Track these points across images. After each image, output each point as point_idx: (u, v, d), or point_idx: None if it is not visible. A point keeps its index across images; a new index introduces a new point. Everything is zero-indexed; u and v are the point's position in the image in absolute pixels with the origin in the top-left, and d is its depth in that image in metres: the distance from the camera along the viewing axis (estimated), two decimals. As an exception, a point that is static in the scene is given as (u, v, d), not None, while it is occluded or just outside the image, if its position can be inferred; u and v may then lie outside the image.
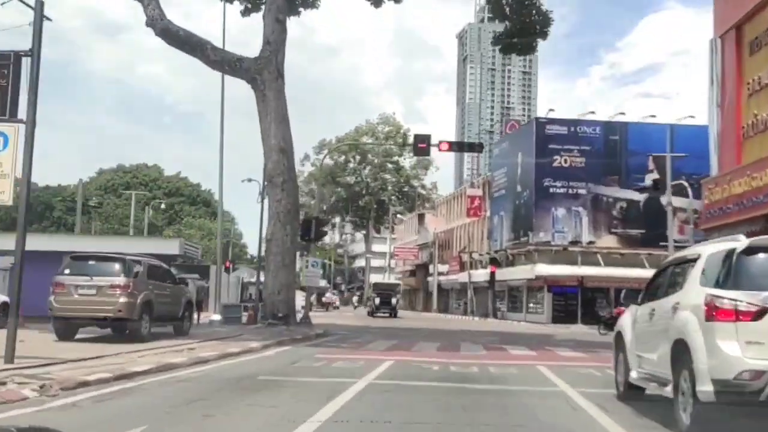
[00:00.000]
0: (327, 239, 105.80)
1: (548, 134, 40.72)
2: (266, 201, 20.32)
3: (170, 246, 19.68)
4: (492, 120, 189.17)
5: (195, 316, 21.39)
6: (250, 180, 24.06)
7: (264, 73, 19.27)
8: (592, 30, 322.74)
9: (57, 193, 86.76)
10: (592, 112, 41.60)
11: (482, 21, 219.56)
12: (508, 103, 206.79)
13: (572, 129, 40.88)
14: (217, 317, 21.53)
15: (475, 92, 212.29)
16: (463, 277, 54.15)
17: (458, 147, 22.41)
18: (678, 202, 40.67)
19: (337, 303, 63.00)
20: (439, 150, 20.77)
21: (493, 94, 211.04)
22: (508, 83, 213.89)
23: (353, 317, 41.19)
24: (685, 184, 24.66)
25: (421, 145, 20.64)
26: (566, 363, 13.16)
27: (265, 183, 19.57)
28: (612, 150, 40.79)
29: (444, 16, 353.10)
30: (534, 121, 41.80)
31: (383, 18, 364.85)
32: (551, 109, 41.48)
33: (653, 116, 40.48)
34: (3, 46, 9.75)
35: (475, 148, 21.73)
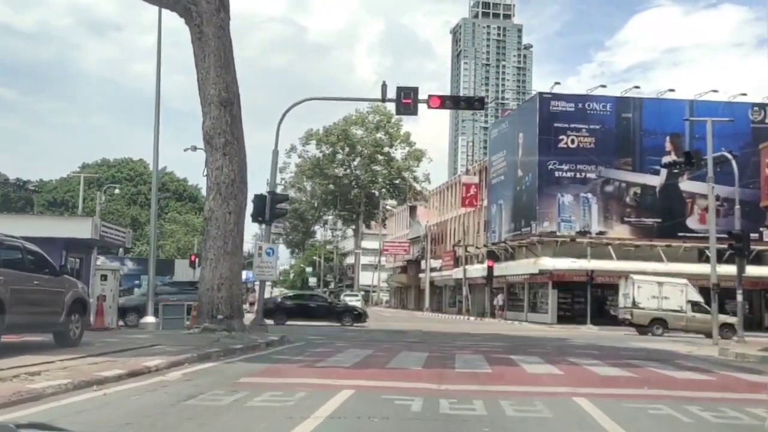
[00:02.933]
0: (318, 236, 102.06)
1: (553, 111, 36.34)
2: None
3: (80, 228, 15.15)
4: (486, 117, 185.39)
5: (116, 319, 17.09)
6: (195, 148, 19.36)
7: (201, 3, 14.83)
8: (584, 28, 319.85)
9: (38, 188, 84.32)
10: (603, 86, 37.21)
11: (476, 16, 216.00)
12: (503, 99, 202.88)
13: (580, 105, 36.52)
14: (151, 320, 17.09)
15: (469, 88, 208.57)
16: (457, 273, 49.84)
17: (453, 102, 17.95)
18: (698, 187, 36.61)
19: None
20: (429, 106, 16.35)
21: (487, 90, 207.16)
22: (503, 79, 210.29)
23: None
24: (729, 155, 20.35)
25: (406, 101, 16.25)
26: (614, 390, 8.80)
27: (204, 146, 15.14)
28: (625, 129, 36.46)
29: (436, 13, 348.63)
30: (537, 97, 37.39)
31: (374, 14, 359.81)
32: (557, 83, 37.09)
33: (672, 90, 36.21)
34: None
35: (474, 104, 17.36)
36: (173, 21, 16.50)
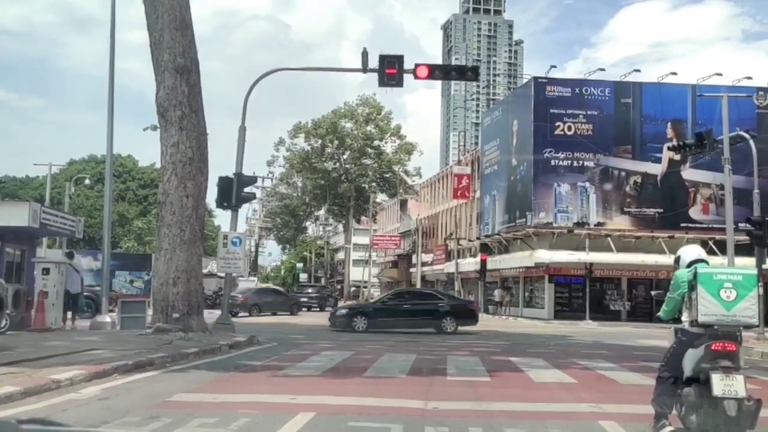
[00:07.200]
0: (309, 231, 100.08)
1: (549, 97, 34.43)
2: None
3: (15, 215, 13.02)
4: (478, 113, 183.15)
5: (65, 318, 15.18)
6: (155, 128, 17.32)
7: (152, -47, 12.89)
8: (571, 24, 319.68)
9: (24, 184, 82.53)
10: (602, 69, 35.33)
11: (467, 12, 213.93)
12: (494, 94, 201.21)
13: (577, 90, 34.60)
14: (106, 319, 15.16)
15: (460, 84, 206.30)
16: (449, 267, 48.01)
17: (443, 72, 15.92)
18: (701, 176, 34.90)
19: None
20: (416, 76, 14.41)
21: (478, 86, 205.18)
22: (494, 75, 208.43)
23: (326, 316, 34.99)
24: (746, 135, 18.56)
25: (390, 71, 14.35)
26: (647, 408, 6.84)
27: (158, 121, 13.17)
28: (624, 115, 34.58)
29: (426, 9, 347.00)
30: (533, 81, 35.44)
31: (361, 11, 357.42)
32: (553, 66, 35.25)
33: (674, 74, 34.37)
34: None
35: (467, 73, 15.37)
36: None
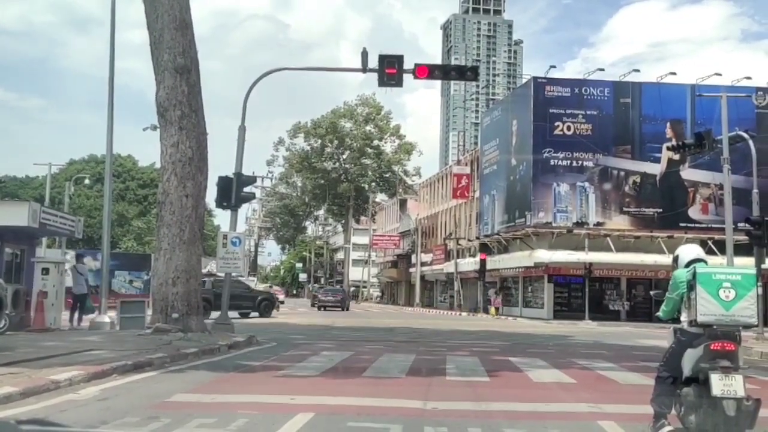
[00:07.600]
0: (309, 231, 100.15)
1: (548, 97, 34.48)
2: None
3: (15, 215, 13.02)
4: (477, 114, 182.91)
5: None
6: (155, 128, 17.34)
7: (152, -48, 12.89)
8: (570, 24, 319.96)
9: (24, 184, 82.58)
10: (601, 69, 35.35)
11: (466, 12, 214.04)
12: (493, 94, 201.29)
13: (576, 90, 34.66)
14: (105, 319, 15.15)
15: (460, 84, 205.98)
16: (449, 266, 48.06)
17: (442, 72, 15.92)
18: (700, 176, 34.93)
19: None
20: (416, 76, 14.42)
21: (478, 86, 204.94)
22: (494, 75, 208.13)
23: (327, 315, 35.09)
24: (745, 135, 18.57)
25: (390, 71, 14.36)
26: (645, 408, 6.82)
27: (158, 121, 13.18)
28: (623, 115, 34.64)
29: (425, 8, 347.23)
30: (532, 81, 35.49)
31: (360, 11, 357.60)
32: (552, 66, 35.30)
33: (673, 74, 34.39)
34: None
35: (467, 73, 15.36)
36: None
